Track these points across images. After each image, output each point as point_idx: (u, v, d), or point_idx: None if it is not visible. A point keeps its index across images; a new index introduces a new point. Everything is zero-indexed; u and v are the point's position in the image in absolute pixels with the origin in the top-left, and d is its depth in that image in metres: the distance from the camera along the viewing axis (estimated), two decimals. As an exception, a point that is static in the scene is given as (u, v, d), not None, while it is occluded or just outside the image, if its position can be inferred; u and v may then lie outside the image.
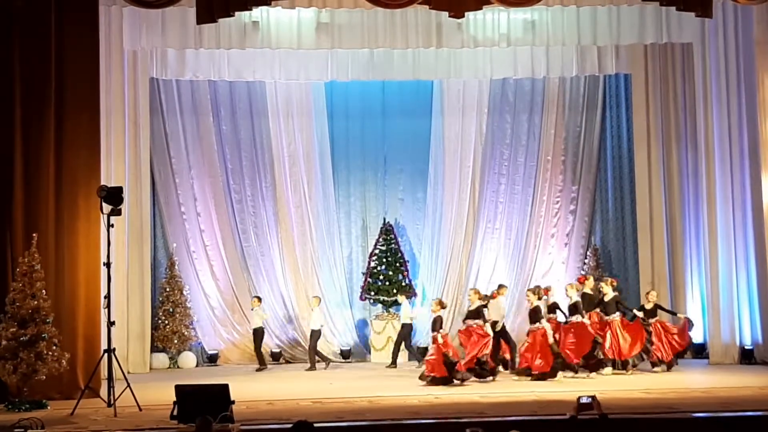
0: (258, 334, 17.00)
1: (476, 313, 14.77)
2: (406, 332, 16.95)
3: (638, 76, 17.97)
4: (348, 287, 18.61)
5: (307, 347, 17.51)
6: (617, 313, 15.33)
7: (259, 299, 17.27)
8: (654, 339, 15.30)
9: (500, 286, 15.99)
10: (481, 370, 14.45)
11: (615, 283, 15.85)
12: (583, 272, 18.22)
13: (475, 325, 14.67)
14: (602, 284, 15.74)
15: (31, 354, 12.25)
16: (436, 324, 14.52)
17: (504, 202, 18.82)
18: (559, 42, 16.61)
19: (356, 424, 10.93)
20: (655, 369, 15.22)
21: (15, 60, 13.46)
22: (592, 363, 14.83)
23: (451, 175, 18.69)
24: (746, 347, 16.13)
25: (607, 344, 15.03)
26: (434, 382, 14.08)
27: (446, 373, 14.10)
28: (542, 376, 14.37)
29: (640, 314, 15.53)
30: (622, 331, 15.16)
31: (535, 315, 14.83)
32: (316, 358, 16.76)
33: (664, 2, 14.32)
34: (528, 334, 14.96)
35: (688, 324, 15.68)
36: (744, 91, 16.04)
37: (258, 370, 16.72)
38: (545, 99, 18.83)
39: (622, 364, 15.06)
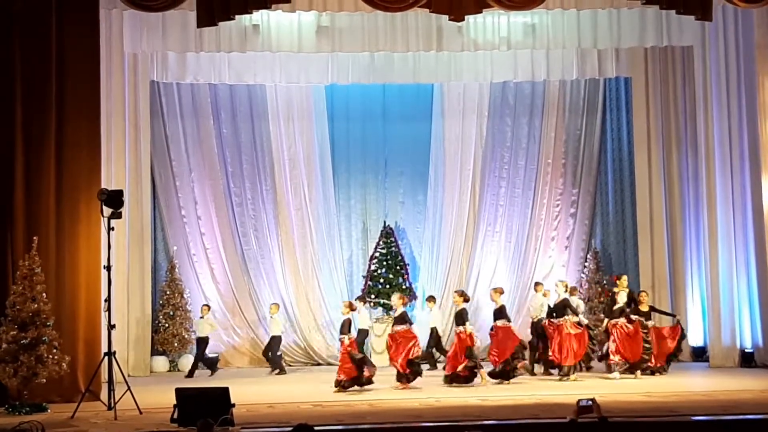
0: (203, 342, 16.74)
1: (402, 319, 14.56)
2: (361, 339, 16.47)
3: (638, 79, 18.00)
4: (348, 290, 18.60)
5: (306, 349, 17.54)
6: (566, 317, 15.09)
7: (209, 308, 17.10)
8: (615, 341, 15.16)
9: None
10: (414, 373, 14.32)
11: (566, 285, 15.70)
12: (583, 275, 18.27)
13: (402, 330, 14.42)
14: (557, 284, 15.67)
15: (32, 357, 12.22)
16: (344, 327, 14.32)
17: (504, 205, 18.85)
18: (559, 45, 16.63)
19: (357, 427, 10.91)
20: (611, 375, 15.02)
21: (15, 61, 13.45)
22: (507, 369, 14.50)
23: (451, 178, 18.71)
24: (746, 350, 16.14)
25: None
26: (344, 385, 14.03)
27: (356, 372, 14.02)
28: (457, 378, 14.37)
29: (585, 320, 15.36)
30: (569, 335, 14.96)
31: (460, 317, 14.66)
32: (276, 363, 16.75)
33: (665, 5, 14.34)
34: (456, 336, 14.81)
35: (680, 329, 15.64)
36: (744, 94, 16.07)
37: (187, 376, 16.30)
38: (545, 102, 18.87)
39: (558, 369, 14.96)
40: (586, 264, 18.48)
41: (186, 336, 17.39)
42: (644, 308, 15.45)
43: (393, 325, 14.73)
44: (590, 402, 8.18)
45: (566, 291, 15.42)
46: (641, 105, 17.99)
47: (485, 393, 13.45)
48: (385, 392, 13.78)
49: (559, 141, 18.89)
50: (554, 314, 15.32)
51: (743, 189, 16.16)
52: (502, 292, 15.20)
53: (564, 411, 10.54)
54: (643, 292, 16.03)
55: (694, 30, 16.20)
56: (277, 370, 16.62)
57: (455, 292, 15.36)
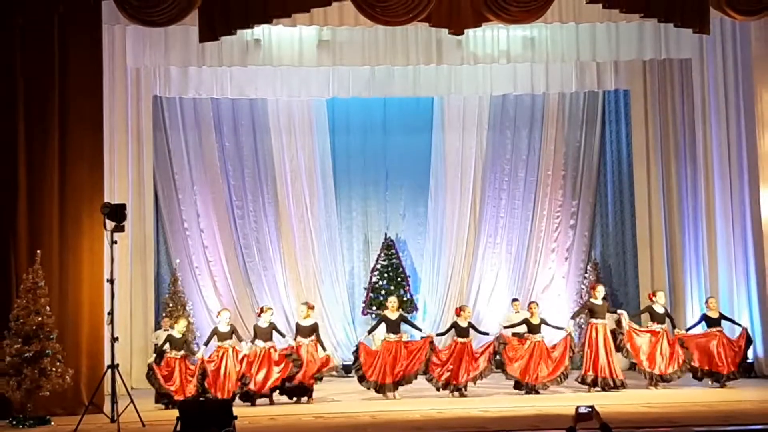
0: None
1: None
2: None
3: (637, 91, 18.10)
4: (350, 302, 18.69)
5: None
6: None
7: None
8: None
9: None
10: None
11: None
12: (583, 287, 18.26)
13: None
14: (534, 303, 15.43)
15: (35, 370, 12.26)
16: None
17: (504, 217, 18.92)
18: (558, 58, 16.73)
19: (358, 438, 10.97)
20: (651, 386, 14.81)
21: (18, 76, 13.52)
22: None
23: (452, 191, 18.80)
24: (747, 361, 16.11)
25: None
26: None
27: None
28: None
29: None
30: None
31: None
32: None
33: (663, 19, 14.43)
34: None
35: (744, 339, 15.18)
36: (742, 106, 16.09)
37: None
38: (545, 115, 18.96)
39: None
40: (586, 275, 18.52)
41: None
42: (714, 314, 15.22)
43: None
44: (589, 409, 8.17)
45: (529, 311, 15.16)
46: (640, 117, 18.08)
47: (487, 404, 13.48)
48: (386, 404, 13.82)
49: (559, 153, 18.97)
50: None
51: (742, 200, 16.19)
52: (312, 308, 14.89)
53: (564, 422, 10.57)
54: (711, 298, 15.68)
55: (692, 43, 16.32)
56: None
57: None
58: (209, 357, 14.09)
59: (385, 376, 14.29)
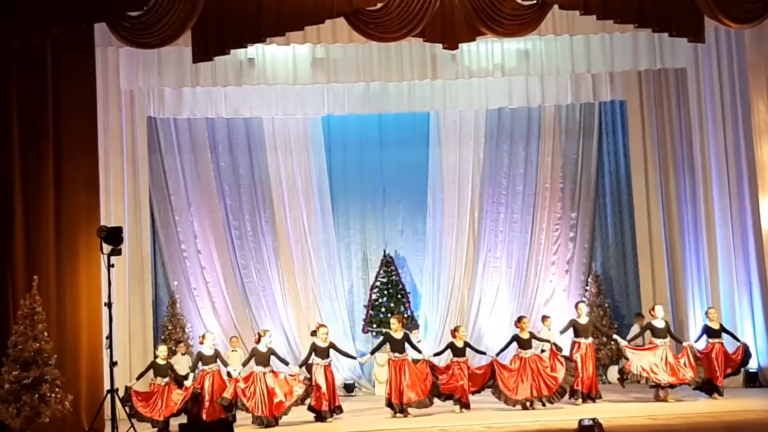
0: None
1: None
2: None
3: (633, 102, 18.10)
4: (350, 320, 18.58)
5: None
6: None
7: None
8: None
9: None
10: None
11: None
12: (585, 299, 18.16)
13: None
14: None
15: (34, 396, 12.17)
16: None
17: (504, 230, 18.85)
18: (553, 71, 16.73)
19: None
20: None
21: (13, 102, 13.52)
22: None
23: (450, 205, 18.74)
24: (750, 371, 16.04)
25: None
26: None
27: None
28: None
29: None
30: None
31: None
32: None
33: (657, 29, 14.44)
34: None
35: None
36: (739, 115, 16.09)
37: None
38: (541, 127, 18.92)
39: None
40: (587, 288, 18.45)
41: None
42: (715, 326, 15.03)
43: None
44: (592, 422, 8.15)
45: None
46: (637, 128, 18.07)
47: (490, 420, 13.40)
48: (388, 422, 13.74)
49: (557, 165, 18.92)
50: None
51: (742, 209, 16.15)
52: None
53: (568, 437, 10.52)
54: (711, 308, 15.47)
55: (687, 52, 16.33)
56: None
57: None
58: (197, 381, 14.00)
59: (400, 396, 14.21)
